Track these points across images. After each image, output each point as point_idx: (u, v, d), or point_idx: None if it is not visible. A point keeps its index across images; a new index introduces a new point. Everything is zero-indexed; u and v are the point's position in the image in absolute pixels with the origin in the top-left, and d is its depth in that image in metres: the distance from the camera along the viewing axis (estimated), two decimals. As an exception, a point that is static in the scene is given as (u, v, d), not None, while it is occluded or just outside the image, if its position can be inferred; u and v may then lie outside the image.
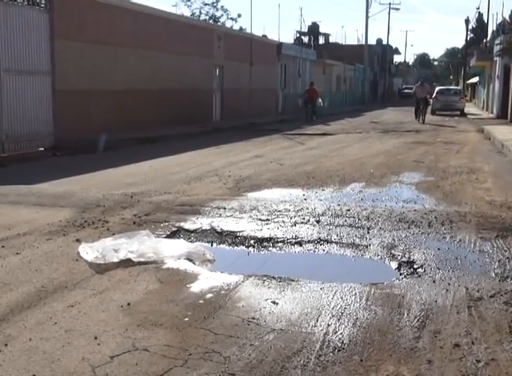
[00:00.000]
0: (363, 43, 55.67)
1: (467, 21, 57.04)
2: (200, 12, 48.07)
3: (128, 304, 4.15)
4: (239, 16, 62.14)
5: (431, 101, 33.60)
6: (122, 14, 18.03)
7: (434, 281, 4.70)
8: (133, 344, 3.50)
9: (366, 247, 5.72)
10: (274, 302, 4.22)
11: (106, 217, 6.79)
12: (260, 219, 6.77)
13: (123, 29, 18.08)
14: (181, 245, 5.57)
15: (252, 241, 5.92)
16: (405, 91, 77.98)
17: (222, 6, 50.21)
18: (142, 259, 5.14)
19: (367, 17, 53.08)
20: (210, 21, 44.88)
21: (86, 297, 4.31)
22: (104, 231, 6.16)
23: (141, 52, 19.02)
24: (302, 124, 25.76)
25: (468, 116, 34.59)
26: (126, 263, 5.05)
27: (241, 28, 44.95)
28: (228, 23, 48.19)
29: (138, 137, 16.42)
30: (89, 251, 5.27)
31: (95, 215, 6.92)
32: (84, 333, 3.67)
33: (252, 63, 28.23)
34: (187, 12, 47.29)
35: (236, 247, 5.81)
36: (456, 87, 52.09)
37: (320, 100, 31.38)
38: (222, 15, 48.93)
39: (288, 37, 55.49)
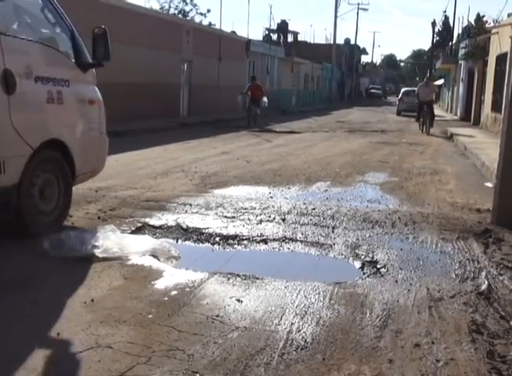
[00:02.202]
0: (331, 42, 56.07)
1: (434, 24, 57.65)
2: (169, 6, 47.76)
3: (92, 300, 4.12)
4: (209, 11, 62.12)
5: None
6: (89, 6, 17.81)
7: (396, 281, 4.77)
8: (96, 341, 3.48)
9: (331, 246, 5.77)
10: (238, 300, 4.24)
11: (70, 212, 6.70)
12: (225, 216, 6.78)
13: (90, 21, 17.83)
14: (146, 241, 5.54)
15: (217, 238, 5.92)
16: (372, 91, 78.88)
17: (192, 1, 50.01)
18: (106, 255, 5.10)
19: (336, 17, 53.57)
20: (179, 15, 44.61)
21: (49, 292, 4.27)
22: (68, 225, 6.10)
23: (108, 45, 18.79)
24: (244, 128, 21.31)
25: (433, 117, 35.04)
26: (90, 258, 5.01)
27: (210, 24, 44.76)
28: (198, 18, 47.98)
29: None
30: (53, 245, 5.22)
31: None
32: (46, 329, 3.63)
33: (220, 59, 28.18)
34: (156, 6, 47.02)
35: (201, 244, 5.81)
36: (421, 89, 52.67)
37: (265, 99, 24.84)
38: (191, 9, 48.66)
39: (257, 35, 55.61)
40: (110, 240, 5.33)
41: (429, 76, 28.87)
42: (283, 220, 6.69)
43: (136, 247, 5.29)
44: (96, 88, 6.92)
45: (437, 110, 47.36)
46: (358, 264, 5.27)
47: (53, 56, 5.95)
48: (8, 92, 5.07)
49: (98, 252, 5.11)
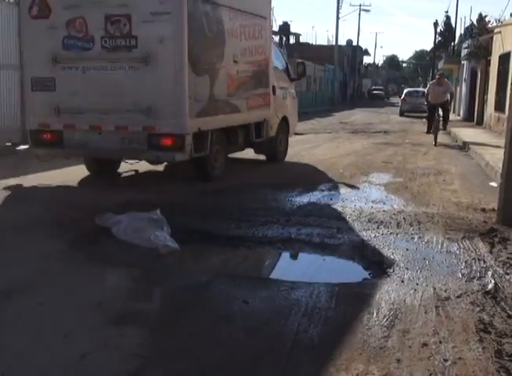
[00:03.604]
0: (333, 44, 56.01)
1: (436, 24, 57.59)
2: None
3: (99, 302, 4.13)
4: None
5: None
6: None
7: (402, 281, 4.76)
8: (104, 342, 3.49)
9: (336, 246, 5.77)
10: (245, 301, 4.24)
11: (76, 214, 6.71)
12: (230, 218, 6.77)
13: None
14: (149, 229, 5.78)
15: (223, 240, 5.93)
16: (375, 92, 78.75)
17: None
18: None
19: (338, 18, 53.41)
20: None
21: (56, 294, 4.28)
22: (75, 228, 6.11)
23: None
24: None
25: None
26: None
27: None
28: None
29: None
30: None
31: (65, 211, 6.84)
32: (54, 331, 3.64)
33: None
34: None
35: (206, 246, 5.81)
36: (424, 89, 52.68)
37: None
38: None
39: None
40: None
41: (442, 72, 23.44)
42: (288, 221, 6.68)
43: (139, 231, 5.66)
44: (294, 90, 13.57)
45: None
46: (364, 264, 5.27)
47: (283, 76, 12.49)
48: (274, 94, 11.43)
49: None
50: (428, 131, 18.30)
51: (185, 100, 8.09)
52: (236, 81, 9.71)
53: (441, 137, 18.06)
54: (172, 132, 8.14)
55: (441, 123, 17.50)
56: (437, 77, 18.70)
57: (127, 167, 9.70)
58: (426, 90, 19.26)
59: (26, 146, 9.08)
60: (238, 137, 10.17)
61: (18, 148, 9.47)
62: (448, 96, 17.92)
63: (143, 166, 9.68)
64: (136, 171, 9.92)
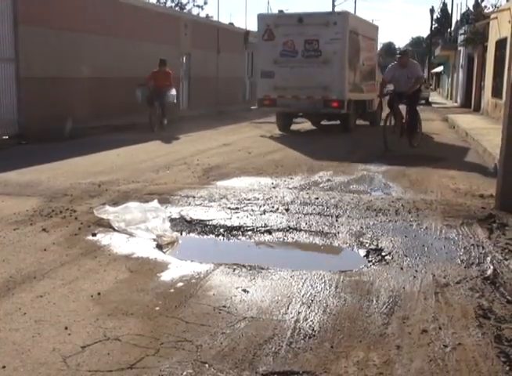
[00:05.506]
0: (330, 31, 55.79)
1: (432, 11, 57.41)
2: (166, -1, 47.56)
3: (98, 293, 4.13)
4: (206, 3, 61.38)
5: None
6: (88, 0, 17.74)
7: (401, 268, 4.77)
8: (104, 333, 3.49)
9: (335, 235, 5.77)
10: (245, 290, 4.25)
11: (73, 206, 6.72)
12: (229, 208, 6.78)
13: (89, 15, 17.79)
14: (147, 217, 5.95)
15: (222, 230, 5.93)
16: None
17: (188, -7, 49.76)
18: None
19: (333, 6, 53.17)
20: (176, 8, 44.43)
21: (55, 287, 4.27)
22: (72, 220, 6.11)
23: (107, 39, 18.76)
24: (148, 134, 15.31)
25: (433, 105, 35.04)
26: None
27: (207, 16, 44.54)
28: (195, 11, 47.78)
29: (106, 125, 16.24)
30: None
31: (62, 204, 6.84)
32: (54, 323, 3.64)
33: (219, 51, 28.09)
34: (153, -1, 46.67)
35: (205, 236, 5.81)
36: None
37: (174, 92, 17.28)
38: (188, 2, 48.47)
39: (255, 25, 55.06)
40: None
41: (405, 49, 19.13)
42: (287, 210, 6.69)
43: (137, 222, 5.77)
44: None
45: (436, 97, 46.91)
46: (362, 252, 5.27)
47: (375, 72, 19.54)
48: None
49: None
50: (386, 146, 12.16)
51: (345, 82, 16.24)
52: (362, 75, 17.93)
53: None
54: (338, 99, 16.06)
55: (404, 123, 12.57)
56: (397, 56, 13.08)
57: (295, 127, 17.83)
58: (386, 73, 13.30)
59: (255, 107, 18.01)
60: (360, 108, 17.85)
61: (252, 107, 17.17)
62: (413, 82, 12.22)
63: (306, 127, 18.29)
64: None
